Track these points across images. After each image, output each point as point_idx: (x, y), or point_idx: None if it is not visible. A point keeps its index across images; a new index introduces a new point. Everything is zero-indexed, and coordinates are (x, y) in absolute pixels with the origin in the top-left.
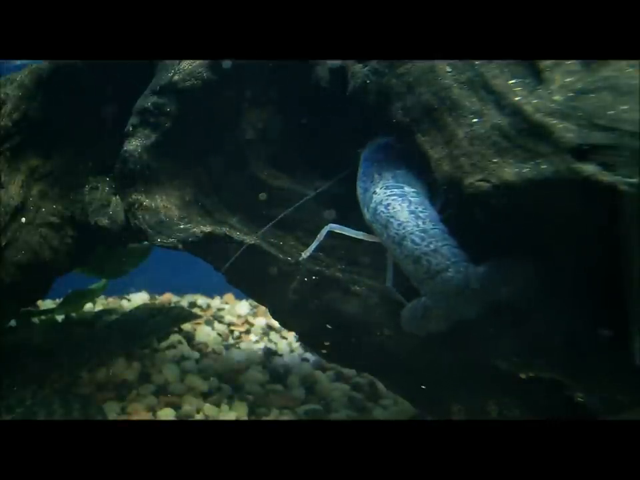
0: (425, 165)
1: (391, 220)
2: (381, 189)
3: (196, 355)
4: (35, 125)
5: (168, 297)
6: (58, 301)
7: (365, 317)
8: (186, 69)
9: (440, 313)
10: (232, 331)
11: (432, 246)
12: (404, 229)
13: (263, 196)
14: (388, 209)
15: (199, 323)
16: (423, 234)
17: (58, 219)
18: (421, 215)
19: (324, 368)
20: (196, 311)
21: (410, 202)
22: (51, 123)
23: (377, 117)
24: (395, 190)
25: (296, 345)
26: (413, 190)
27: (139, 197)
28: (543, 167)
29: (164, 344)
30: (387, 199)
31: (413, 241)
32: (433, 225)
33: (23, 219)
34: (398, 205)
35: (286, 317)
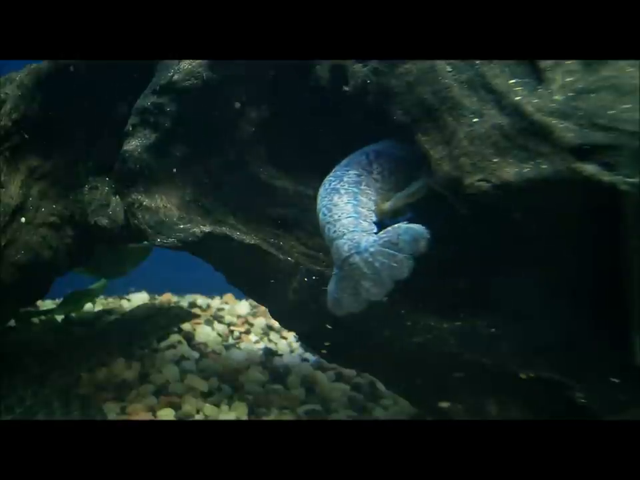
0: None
1: (318, 197)
2: (329, 175)
3: (196, 355)
4: (34, 125)
5: (168, 297)
6: (58, 300)
7: (365, 316)
8: (186, 69)
9: (345, 285)
10: (232, 331)
11: (336, 216)
12: (320, 202)
13: None
14: (321, 189)
15: (198, 323)
16: (333, 207)
17: (58, 219)
18: (342, 190)
19: (324, 368)
20: (196, 310)
21: (340, 180)
22: (51, 122)
23: (377, 117)
24: (337, 172)
25: (296, 345)
26: (355, 172)
27: (139, 197)
28: (543, 166)
29: (164, 344)
30: (325, 180)
31: (323, 213)
32: (348, 200)
33: (23, 219)
34: (328, 182)
35: (286, 317)
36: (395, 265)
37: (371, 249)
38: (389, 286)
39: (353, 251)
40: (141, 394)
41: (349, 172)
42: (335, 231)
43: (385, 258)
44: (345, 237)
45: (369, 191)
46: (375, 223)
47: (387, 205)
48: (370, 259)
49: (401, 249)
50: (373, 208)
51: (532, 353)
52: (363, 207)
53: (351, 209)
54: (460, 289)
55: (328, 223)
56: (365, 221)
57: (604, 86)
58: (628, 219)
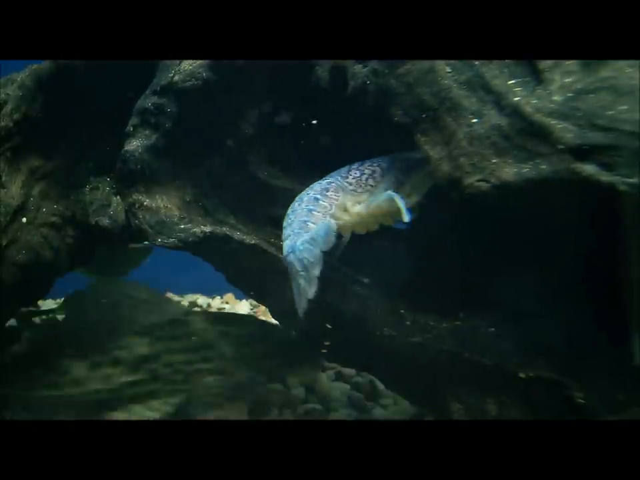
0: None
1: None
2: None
3: None
4: (35, 125)
5: (168, 297)
6: (59, 300)
7: (365, 316)
8: (186, 69)
9: (293, 284)
10: None
11: (289, 221)
12: (288, 209)
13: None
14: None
15: None
16: (291, 213)
17: (59, 219)
18: (305, 197)
19: (324, 368)
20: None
21: (311, 188)
22: (52, 123)
23: (377, 118)
24: (322, 181)
25: None
26: (329, 180)
27: (140, 197)
28: (542, 167)
29: None
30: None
31: (284, 219)
32: (306, 206)
33: (24, 219)
34: (305, 190)
35: (286, 317)
36: (313, 260)
37: (300, 247)
38: (315, 283)
39: (289, 250)
40: None
41: (324, 180)
42: (286, 234)
43: (308, 254)
44: (289, 238)
45: (334, 197)
46: None
47: (357, 208)
48: (300, 257)
49: (317, 244)
50: (332, 211)
51: (532, 353)
52: (319, 211)
53: (305, 214)
54: (460, 289)
55: (284, 227)
56: (314, 223)
57: (603, 86)
58: (627, 219)
